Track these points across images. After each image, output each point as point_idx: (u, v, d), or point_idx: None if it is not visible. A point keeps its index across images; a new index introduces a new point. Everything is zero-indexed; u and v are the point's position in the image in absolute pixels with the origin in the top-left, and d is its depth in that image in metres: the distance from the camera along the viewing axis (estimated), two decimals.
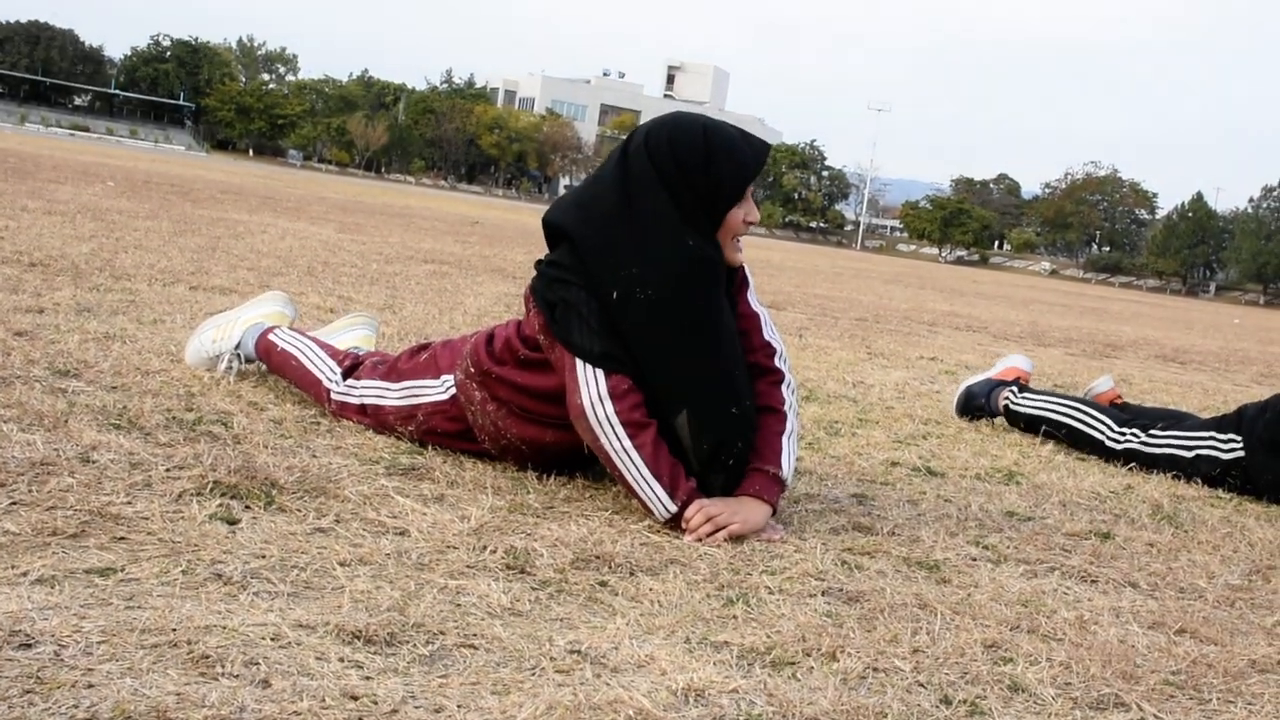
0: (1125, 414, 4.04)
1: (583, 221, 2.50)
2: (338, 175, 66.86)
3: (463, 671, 1.57)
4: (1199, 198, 77.38)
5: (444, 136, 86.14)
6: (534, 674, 1.60)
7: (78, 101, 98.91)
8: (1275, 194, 74.62)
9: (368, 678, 1.51)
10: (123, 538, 1.90)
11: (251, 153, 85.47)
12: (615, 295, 2.42)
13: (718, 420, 2.45)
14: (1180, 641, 2.09)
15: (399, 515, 2.24)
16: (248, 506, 2.16)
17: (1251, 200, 76.67)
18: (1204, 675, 1.92)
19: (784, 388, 2.61)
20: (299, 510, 2.19)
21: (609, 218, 2.48)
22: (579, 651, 1.69)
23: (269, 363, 3.17)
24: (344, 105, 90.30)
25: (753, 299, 2.65)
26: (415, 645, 1.64)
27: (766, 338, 2.63)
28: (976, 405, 4.39)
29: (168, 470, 2.28)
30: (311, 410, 2.98)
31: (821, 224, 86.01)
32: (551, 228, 2.55)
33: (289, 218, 12.79)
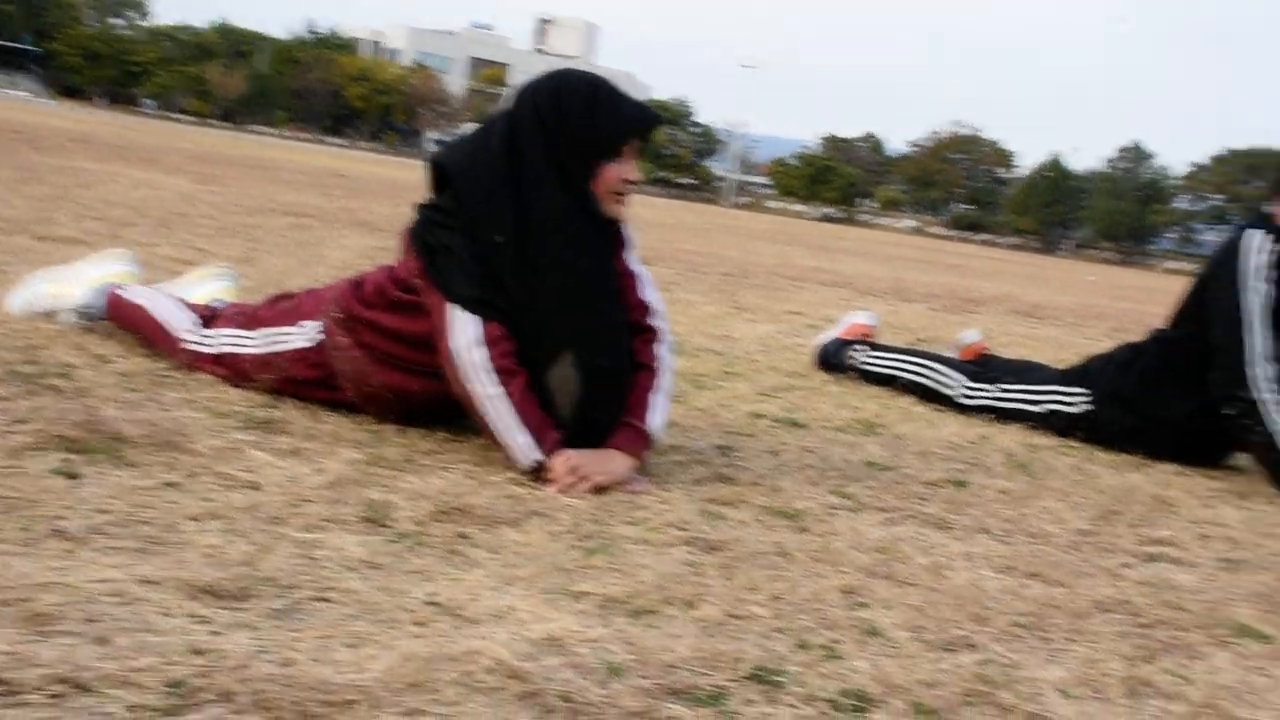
0: (980, 368, 4.13)
1: (467, 166, 2.49)
2: (195, 125, 64.85)
3: (316, 625, 1.54)
4: (1056, 158, 79.46)
5: (307, 88, 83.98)
6: (389, 626, 1.57)
7: None
8: (1129, 154, 76.98)
9: (215, 632, 1.46)
10: None
11: (103, 101, 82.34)
12: (495, 241, 2.40)
13: (590, 375, 2.45)
14: (1029, 585, 2.15)
15: (253, 469, 2.18)
16: (91, 461, 2.08)
17: (1106, 160, 78.97)
18: (1051, 616, 1.98)
19: (660, 345, 2.62)
20: (146, 465, 2.11)
21: (491, 164, 2.46)
22: (436, 603, 1.67)
23: (118, 318, 3.06)
24: (201, 53, 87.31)
25: (632, 258, 2.65)
26: (266, 599, 1.60)
27: (644, 296, 2.63)
28: (830, 364, 4.46)
29: (6, 425, 2.18)
30: (161, 363, 2.89)
31: (691, 180, 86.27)
32: (437, 169, 2.52)
33: (142, 167, 12.37)
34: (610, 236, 2.58)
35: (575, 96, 2.47)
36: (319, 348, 2.68)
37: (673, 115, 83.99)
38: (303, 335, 2.71)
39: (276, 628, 1.51)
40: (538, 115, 2.47)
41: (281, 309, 2.81)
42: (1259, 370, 3.31)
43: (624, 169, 2.51)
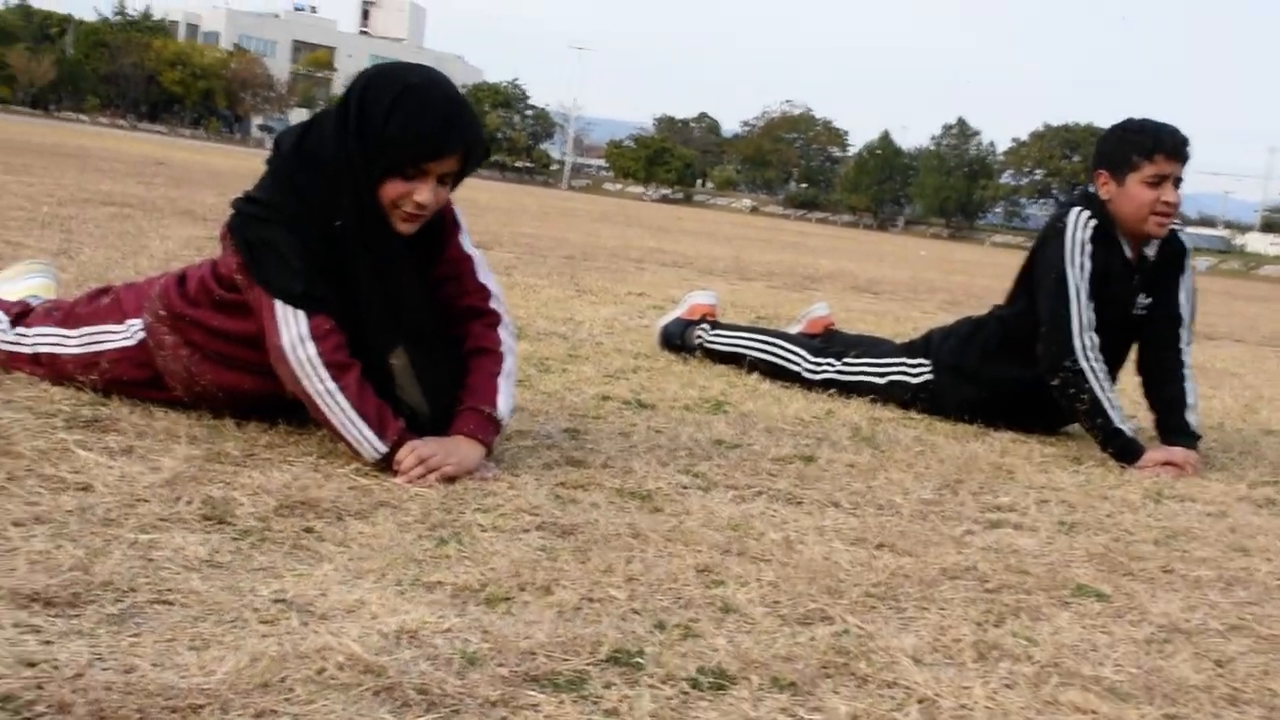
0: (824, 343, 4.19)
1: (288, 151, 2.41)
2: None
3: (156, 629, 1.47)
4: (886, 135, 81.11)
5: (120, 72, 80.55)
6: (235, 626, 1.51)
7: None
8: (954, 131, 79.08)
9: (48, 641, 1.38)
10: None
11: None
12: (312, 234, 2.33)
13: (419, 371, 2.41)
14: (879, 555, 2.18)
15: (81, 470, 2.08)
16: None
17: (933, 138, 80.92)
18: (901, 585, 2.01)
19: (500, 329, 2.57)
20: None
21: (307, 151, 2.39)
22: (284, 600, 1.61)
23: None
24: (2, 36, 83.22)
25: (465, 241, 2.59)
26: (102, 605, 1.52)
27: (481, 280, 2.58)
28: (674, 345, 4.48)
29: None
30: None
31: (527, 164, 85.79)
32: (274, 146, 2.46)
33: None
34: (439, 227, 2.48)
35: (379, 101, 2.32)
36: (142, 346, 2.57)
37: (506, 98, 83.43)
38: (126, 334, 2.59)
39: (114, 634, 1.44)
40: (345, 110, 2.37)
41: (102, 306, 2.67)
42: (1083, 340, 3.44)
43: (413, 189, 2.34)
